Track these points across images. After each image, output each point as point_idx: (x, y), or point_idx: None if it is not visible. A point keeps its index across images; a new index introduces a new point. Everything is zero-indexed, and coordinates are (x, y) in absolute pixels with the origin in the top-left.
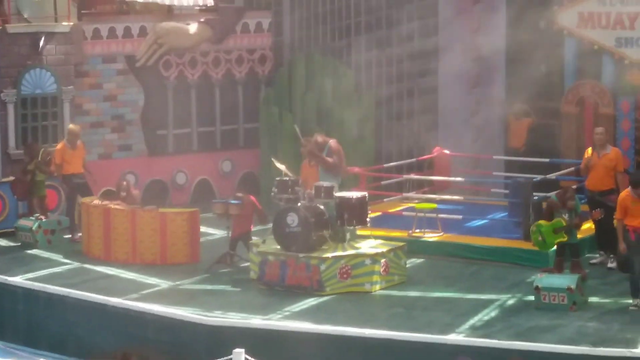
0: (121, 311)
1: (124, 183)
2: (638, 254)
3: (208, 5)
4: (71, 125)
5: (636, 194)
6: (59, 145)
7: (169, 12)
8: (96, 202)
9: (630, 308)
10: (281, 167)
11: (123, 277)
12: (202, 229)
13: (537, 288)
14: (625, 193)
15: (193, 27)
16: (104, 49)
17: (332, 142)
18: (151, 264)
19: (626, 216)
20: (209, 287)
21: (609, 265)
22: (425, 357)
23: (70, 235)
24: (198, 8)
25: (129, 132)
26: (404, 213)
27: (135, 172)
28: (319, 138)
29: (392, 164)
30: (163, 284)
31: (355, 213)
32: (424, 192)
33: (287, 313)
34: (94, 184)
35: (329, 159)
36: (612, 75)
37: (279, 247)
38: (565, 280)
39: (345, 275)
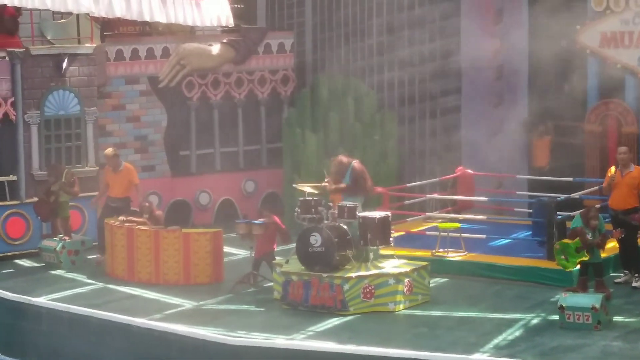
0: (145, 331)
1: (147, 204)
2: None
3: (230, 26)
4: (108, 149)
5: None
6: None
7: (192, 33)
8: (120, 222)
9: None
10: (306, 188)
11: (146, 297)
12: (226, 249)
13: (561, 307)
14: None
15: (215, 48)
16: (127, 70)
17: (355, 162)
18: (174, 284)
19: None
20: (232, 307)
21: (634, 284)
22: None
23: (96, 256)
24: (220, 29)
25: (152, 153)
26: (427, 232)
27: (158, 193)
28: (344, 159)
29: (415, 183)
30: (186, 304)
31: (378, 233)
32: (447, 212)
33: (310, 333)
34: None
35: (343, 185)
36: (636, 94)
37: (302, 267)
38: (589, 299)
39: (368, 295)
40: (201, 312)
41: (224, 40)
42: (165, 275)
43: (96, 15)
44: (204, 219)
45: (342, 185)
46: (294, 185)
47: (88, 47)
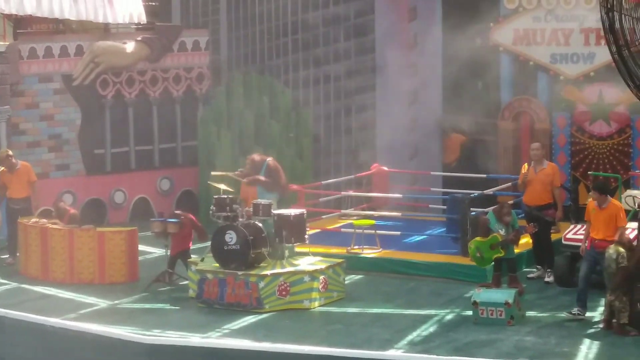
0: (60, 331)
1: (61, 203)
2: (585, 261)
3: (143, 23)
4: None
5: (597, 202)
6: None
7: (106, 31)
8: (34, 221)
9: (566, 313)
10: (220, 185)
11: (61, 296)
12: (141, 247)
13: (475, 303)
14: (591, 200)
15: (130, 46)
16: (41, 69)
17: (270, 160)
18: (89, 283)
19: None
20: (147, 305)
21: (546, 279)
22: None
23: (7, 257)
24: (135, 27)
25: (66, 152)
26: (343, 230)
27: (73, 192)
28: (257, 157)
29: (330, 181)
30: (101, 303)
31: (293, 230)
32: (362, 209)
33: (226, 331)
34: (36, 207)
35: (263, 178)
36: (548, 91)
37: (217, 265)
38: (502, 295)
39: (284, 293)
40: (116, 311)
41: (139, 38)
42: (80, 274)
43: (7, 12)
44: (119, 217)
45: (261, 177)
46: (212, 174)
47: (0, 45)
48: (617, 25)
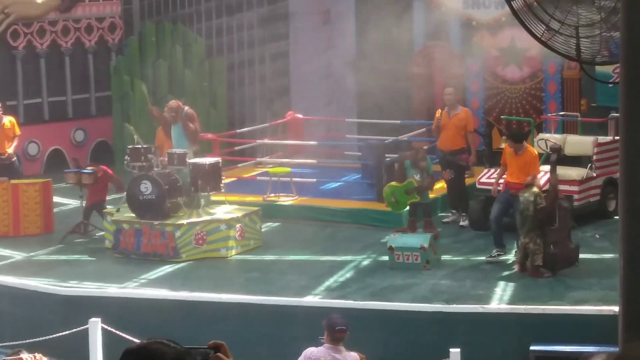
0: None
1: None
2: (497, 202)
3: None
4: None
5: (514, 149)
6: None
7: None
8: None
9: (486, 258)
10: (134, 133)
11: None
12: (56, 199)
13: (390, 248)
14: (507, 146)
15: None
16: None
17: (188, 109)
18: (4, 235)
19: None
20: (63, 257)
21: (461, 223)
22: (281, 320)
23: None
24: None
25: None
26: (258, 178)
27: None
28: (174, 104)
29: (245, 129)
30: (17, 255)
31: (209, 179)
32: (278, 157)
33: (143, 281)
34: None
35: (192, 125)
36: (461, 37)
37: (133, 215)
38: (418, 239)
39: (200, 242)
40: (32, 263)
41: None
42: None
43: None
44: (33, 169)
45: (191, 125)
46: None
47: None
48: None
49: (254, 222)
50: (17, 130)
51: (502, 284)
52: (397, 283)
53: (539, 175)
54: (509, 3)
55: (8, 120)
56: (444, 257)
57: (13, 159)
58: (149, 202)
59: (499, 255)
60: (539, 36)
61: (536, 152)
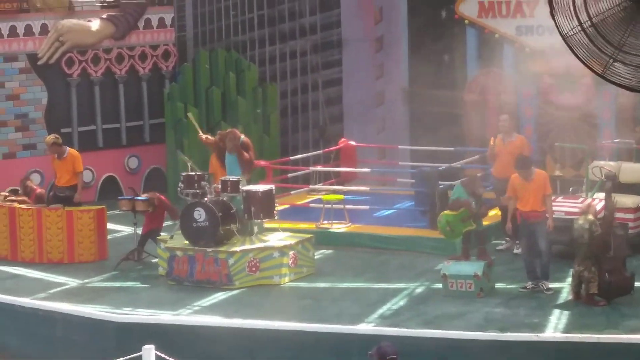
0: (29, 311)
1: (29, 182)
2: (522, 237)
3: (109, 1)
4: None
5: (522, 177)
6: None
7: (70, 9)
8: (1, 201)
9: (519, 289)
10: (187, 161)
11: (30, 276)
12: (110, 226)
13: (444, 276)
14: (515, 175)
15: (95, 24)
16: (5, 48)
17: (244, 137)
18: (59, 262)
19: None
20: (117, 284)
21: (515, 251)
22: (335, 348)
23: None
24: (99, 4)
25: (33, 131)
26: (311, 205)
27: (40, 171)
28: (233, 133)
29: (298, 156)
30: (71, 282)
31: (262, 206)
32: (331, 184)
33: (196, 308)
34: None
35: (246, 154)
36: (514, 63)
37: (187, 242)
38: (471, 267)
39: (253, 269)
40: (86, 289)
41: (104, 16)
42: (49, 254)
43: None
44: (88, 196)
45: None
46: (178, 152)
47: None
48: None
49: (307, 249)
50: (78, 167)
51: (556, 312)
52: (450, 311)
53: (594, 203)
54: (564, 39)
55: (69, 153)
56: (498, 285)
57: (67, 193)
58: (202, 229)
59: (534, 287)
60: (601, 73)
61: (546, 173)
